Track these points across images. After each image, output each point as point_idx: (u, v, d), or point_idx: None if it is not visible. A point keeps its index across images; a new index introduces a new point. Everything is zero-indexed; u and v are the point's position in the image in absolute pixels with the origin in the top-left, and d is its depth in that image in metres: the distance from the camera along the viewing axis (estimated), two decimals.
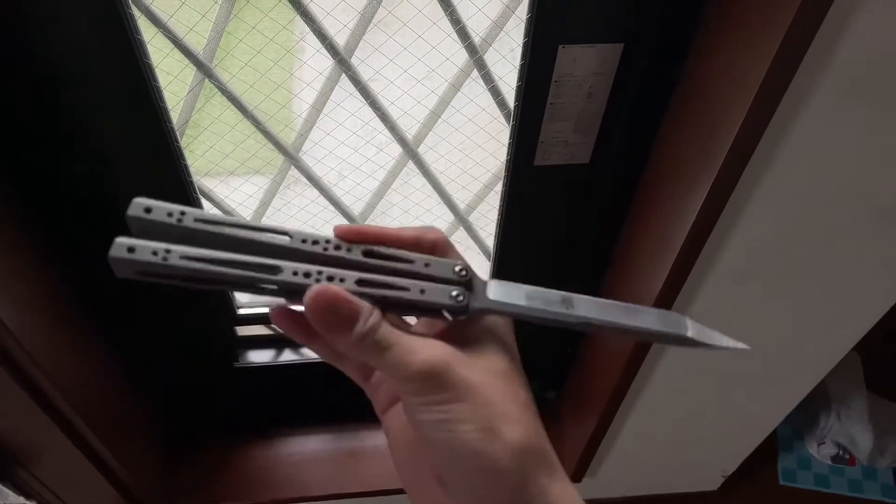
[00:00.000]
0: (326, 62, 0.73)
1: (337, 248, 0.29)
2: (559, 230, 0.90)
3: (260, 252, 0.28)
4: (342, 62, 0.73)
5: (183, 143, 0.74)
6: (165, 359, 1.05)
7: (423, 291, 0.29)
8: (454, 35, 0.72)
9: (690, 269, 0.73)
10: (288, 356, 1.11)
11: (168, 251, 0.27)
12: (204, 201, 0.82)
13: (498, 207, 0.87)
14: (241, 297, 1.00)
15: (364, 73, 0.74)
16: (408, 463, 0.32)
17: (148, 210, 0.28)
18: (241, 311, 1.01)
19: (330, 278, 0.28)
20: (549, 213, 0.87)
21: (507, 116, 0.79)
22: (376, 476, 1.16)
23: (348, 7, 0.68)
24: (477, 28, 0.72)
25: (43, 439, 0.86)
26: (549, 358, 1.16)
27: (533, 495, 0.28)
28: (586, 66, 0.70)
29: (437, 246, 0.31)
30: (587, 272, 0.94)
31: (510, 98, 0.76)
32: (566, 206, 0.87)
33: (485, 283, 0.31)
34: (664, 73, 0.69)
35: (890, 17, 0.54)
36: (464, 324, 0.31)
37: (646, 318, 0.30)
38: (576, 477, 1.21)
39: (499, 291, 0.30)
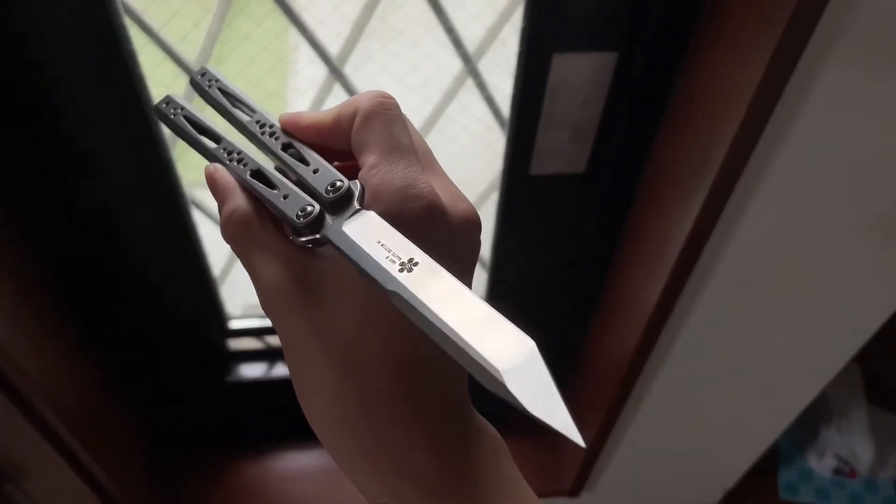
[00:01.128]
0: (320, 71, 0.73)
1: (272, 135, 0.30)
2: (556, 239, 0.90)
3: (235, 125, 0.31)
4: (335, 71, 0.72)
5: (175, 153, 0.73)
6: (156, 373, 1.04)
7: (285, 197, 0.27)
8: (448, 44, 0.71)
9: (688, 277, 0.72)
10: (281, 370, 1.10)
11: (181, 109, 0.31)
12: (196, 212, 0.82)
13: (494, 216, 0.86)
14: (232, 310, 0.99)
15: (358, 82, 0.74)
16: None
17: (202, 75, 0.32)
18: (233, 325, 0.99)
19: (240, 161, 0.29)
20: (546, 222, 0.87)
21: (502, 125, 0.79)
22: None
23: (342, 16, 0.68)
24: (471, 37, 0.71)
25: (32, 454, 0.85)
26: (548, 368, 1.15)
27: None
28: (581, 74, 0.69)
29: (352, 123, 0.27)
30: (585, 281, 0.94)
31: (505, 107, 0.75)
32: (562, 215, 0.86)
33: (358, 211, 0.26)
34: (659, 82, 0.69)
35: (884, 21, 0.54)
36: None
37: (485, 337, 0.22)
38: (575, 490, 1.19)
39: (357, 228, 0.25)
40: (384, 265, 0.24)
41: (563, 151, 0.77)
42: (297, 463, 1.17)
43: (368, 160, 0.26)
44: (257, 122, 0.30)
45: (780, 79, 0.54)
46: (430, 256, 0.24)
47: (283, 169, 0.29)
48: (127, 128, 0.69)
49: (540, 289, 0.98)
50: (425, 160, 0.28)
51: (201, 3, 0.66)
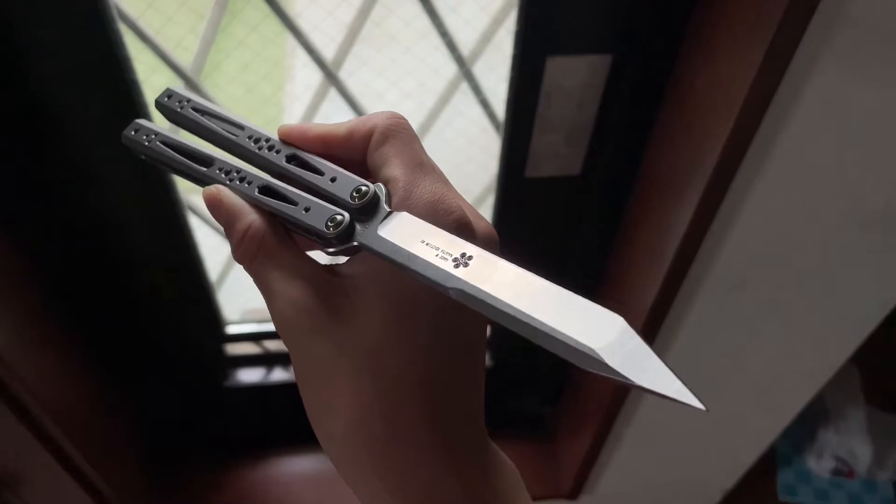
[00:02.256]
0: (315, 76, 0.73)
1: (270, 148, 0.28)
2: (551, 241, 0.90)
3: (222, 145, 0.29)
4: (330, 76, 0.73)
5: None
6: (153, 379, 1.04)
7: (307, 210, 0.26)
8: (442, 48, 0.72)
9: (683, 279, 0.72)
10: (278, 375, 1.10)
11: (155, 135, 0.29)
12: (192, 216, 0.82)
13: (490, 219, 0.86)
14: (229, 315, 0.99)
15: (353, 87, 0.74)
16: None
17: (168, 96, 0.30)
18: (230, 330, 0.99)
19: (242, 179, 0.27)
20: (541, 225, 0.87)
21: (497, 129, 0.79)
22: None
23: (336, 21, 0.68)
24: (465, 40, 0.71)
25: (29, 461, 0.85)
26: (545, 373, 1.15)
27: None
28: (576, 77, 0.70)
29: (370, 140, 0.27)
30: (580, 283, 0.94)
31: (500, 110, 0.75)
32: (558, 217, 0.86)
33: (390, 214, 0.25)
34: (653, 84, 0.69)
35: (873, 23, 0.54)
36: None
37: (569, 318, 0.21)
38: (573, 494, 1.19)
39: (395, 230, 0.24)
40: (438, 264, 0.23)
41: (558, 154, 0.77)
42: (296, 468, 1.17)
43: (393, 173, 0.26)
44: (249, 136, 0.28)
45: (771, 81, 0.54)
46: None
47: (292, 182, 0.27)
48: (121, 134, 0.69)
49: None
50: (443, 179, 0.28)
51: (196, 9, 0.67)
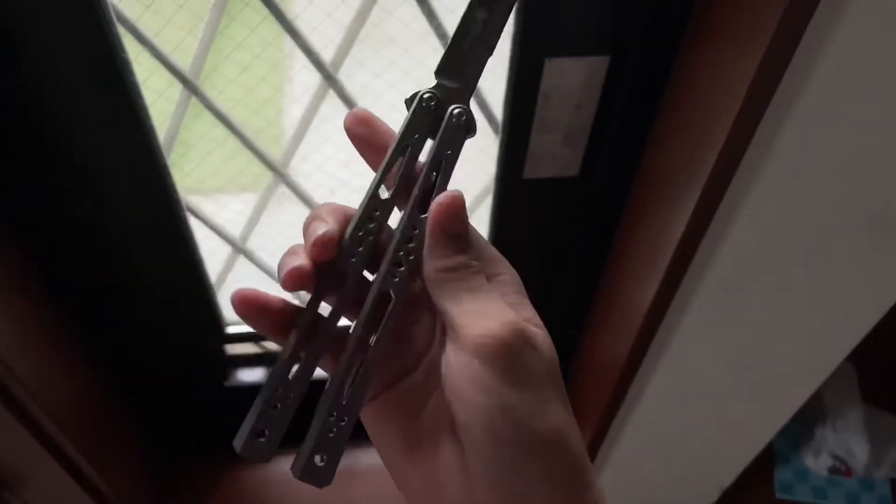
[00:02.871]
0: (314, 77, 0.73)
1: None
2: (549, 242, 0.90)
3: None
4: (329, 77, 0.73)
5: (170, 160, 0.74)
6: (154, 379, 1.04)
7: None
8: (441, 49, 0.72)
9: (681, 279, 0.73)
10: None
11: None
12: (192, 218, 0.82)
13: (488, 220, 0.87)
14: (230, 315, 0.99)
15: (352, 88, 0.74)
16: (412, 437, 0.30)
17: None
18: (230, 330, 1.00)
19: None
20: (539, 226, 0.87)
21: (495, 130, 0.79)
22: (369, 496, 1.14)
23: (335, 22, 0.68)
24: None
25: (29, 461, 0.85)
26: None
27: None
28: (574, 78, 0.70)
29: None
30: (579, 284, 0.94)
31: (498, 111, 0.76)
32: (556, 218, 0.87)
33: None
34: (651, 85, 0.70)
35: (870, 26, 0.54)
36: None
37: None
38: None
39: None
40: None
41: (556, 155, 0.77)
42: None
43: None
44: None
45: (770, 82, 0.54)
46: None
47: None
48: (122, 135, 0.69)
49: (534, 291, 0.99)
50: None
51: (194, 11, 0.67)
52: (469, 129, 0.30)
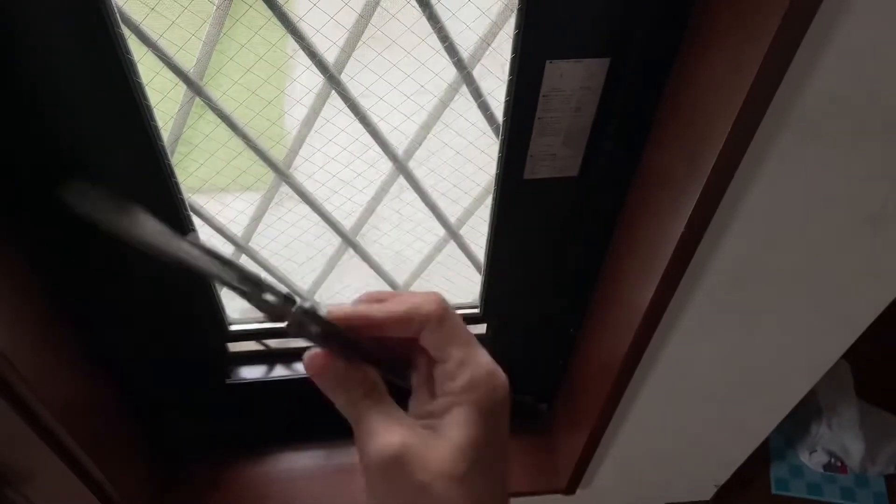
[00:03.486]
0: (316, 79, 0.74)
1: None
2: (550, 242, 0.91)
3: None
4: (332, 79, 0.73)
5: (174, 160, 0.74)
6: (156, 376, 1.04)
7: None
8: (443, 51, 0.72)
9: (680, 278, 0.73)
10: (280, 372, 1.11)
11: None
12: (195, 217, 0.82)
13: (488, 221, 0.87)
14: (232, 313, 1.00)
15: (354, 90, 0.75)
16: None
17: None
18: (233, 328, 1.00)
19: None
20: (540, 226, 0.88)
21: (496, 131, 0.80)
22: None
23: (337, 24, 0.69)
24: (465, 44, 0.72)
25: (33, 458, 0.85)
26: (542, 370, 1.16)
27: None
28: (574, 80, 0.71)
29: (428, 323, 0.33)
30: (578, 283, 0.95)
31: (499, 113, 0.76)
32: (556, 219, 0.87)
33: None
34: (651, 86, 0.70)
35: (875, 21, 0.55)
36: (439, 389, 0.33)
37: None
38: (569, 489, 1.21)
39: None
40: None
41: (556, 156, 0.78)
42: (298, 463, 1.18)
43: (456, 355, 0.33)
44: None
45: (770, 83, 0.55)
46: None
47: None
48: (125, 136, 0.70)
49: (533, 290, 1.00)
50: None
51: (199, 13, 0.67)
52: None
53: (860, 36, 0.55)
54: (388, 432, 0.30)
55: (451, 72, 0.75)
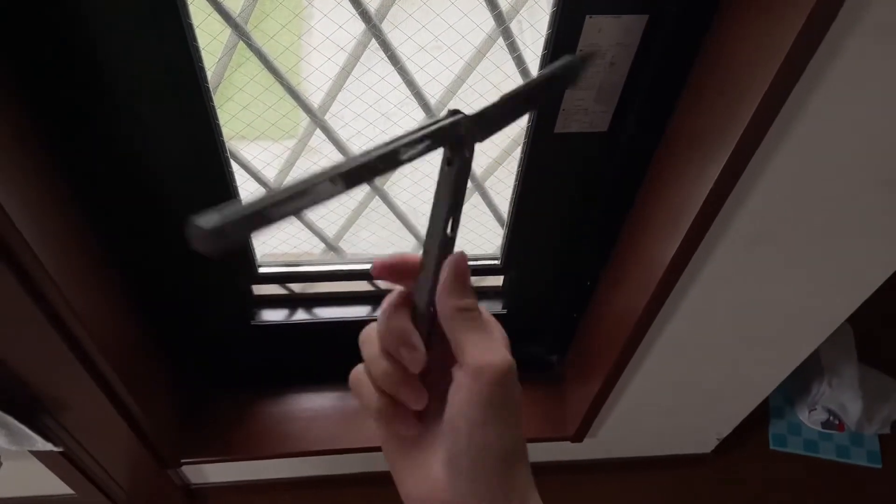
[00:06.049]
0: (359, 26, 0.75)
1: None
2: (574, 195, 0.93)
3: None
4: (374, 28, 0.75)
5: (216, 101, 0.76)
6: (187, 316, 1.08)
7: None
8: (483, 3, 0.73)
9: (704, 235, 0.76)
10: (301, 316, 1.14)
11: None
12: (233, 163, 0.84)
13: (516, 173, 0.89)
14: (262, 257, 1.03)
15: (395, 40, 0.76)
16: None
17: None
18: (262, 270, 1.03)
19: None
20: (566, 180, 0.90)
21: None
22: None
23: None
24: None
25: (74, 389, 0.89)
26: (555, 323, 1.19)
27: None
28: (611, 36, 0.72)
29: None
30: (602, 238, 0.97)
31: (534, 67, 0.78)
32: (583, 174, 0.89)
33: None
34: (687, 45, 0.71)
35: None
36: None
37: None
38: (577, 437, 1.25)
39: None
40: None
41: (588, 111, 0.80)
42: (316, 403, 1.22)
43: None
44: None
45: (809, 45, 0.56)
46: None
47: None
48: (170, 76, 0.71)
49: (556, 243, 1.02)
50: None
51: None
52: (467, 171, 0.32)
53: None
54: (501, 347, 0.33)
55: (490, 24, 0.76)
